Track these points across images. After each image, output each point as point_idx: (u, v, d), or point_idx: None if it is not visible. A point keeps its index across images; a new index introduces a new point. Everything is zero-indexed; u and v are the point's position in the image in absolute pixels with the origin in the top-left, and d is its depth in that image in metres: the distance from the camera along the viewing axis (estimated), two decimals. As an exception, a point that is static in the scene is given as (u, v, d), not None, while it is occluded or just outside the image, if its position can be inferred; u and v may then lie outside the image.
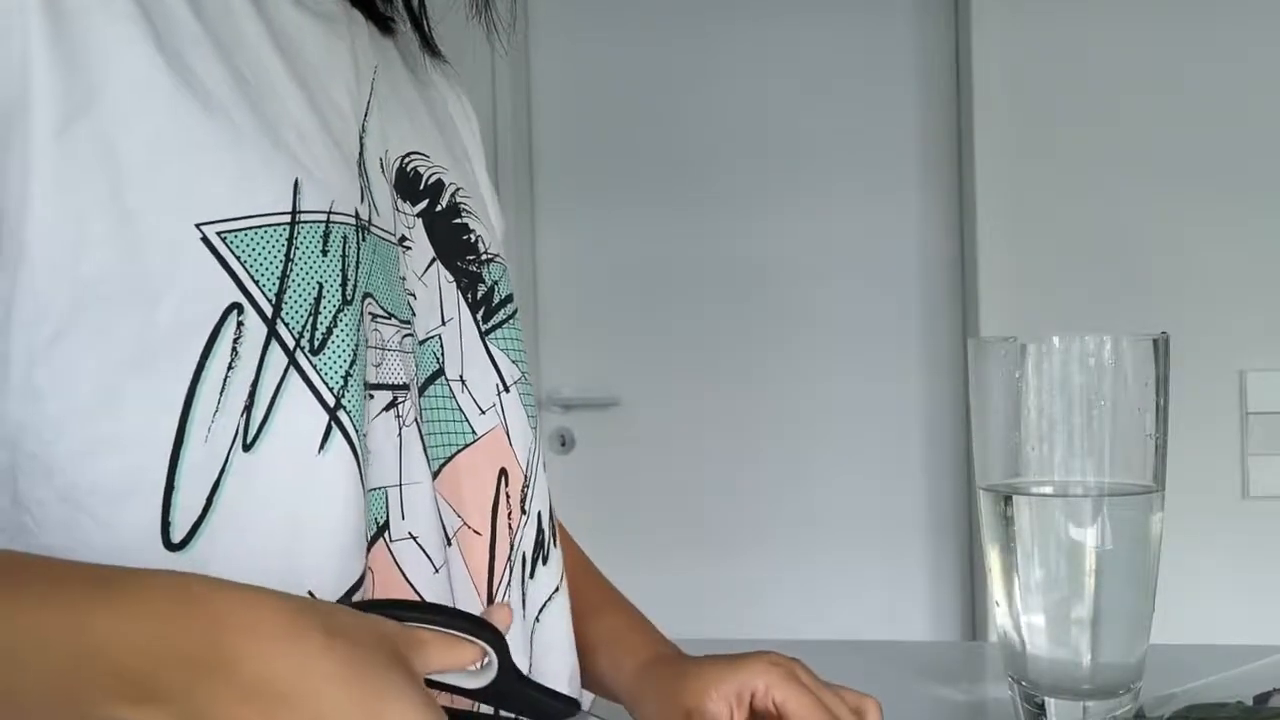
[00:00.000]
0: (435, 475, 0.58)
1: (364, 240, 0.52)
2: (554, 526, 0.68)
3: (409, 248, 0.59)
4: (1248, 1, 1.93)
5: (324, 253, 0.49)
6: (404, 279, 0.57)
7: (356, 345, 0.50)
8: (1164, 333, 0.70)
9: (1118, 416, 0.69)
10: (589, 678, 0.70)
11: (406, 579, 0.53)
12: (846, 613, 2.17)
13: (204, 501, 0.45)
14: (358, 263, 0.51)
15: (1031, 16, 1.99)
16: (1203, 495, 1.89)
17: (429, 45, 0.70)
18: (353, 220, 0.51)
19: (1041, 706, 0.69)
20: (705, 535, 2.21)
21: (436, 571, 0.55)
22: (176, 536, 0.44)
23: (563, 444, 2.30)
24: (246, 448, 0.45)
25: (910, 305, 2.19)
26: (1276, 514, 1.92)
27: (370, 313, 0.53)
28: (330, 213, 0.49)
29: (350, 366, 0.49)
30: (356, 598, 0.49)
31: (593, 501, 2.27)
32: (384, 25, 0.64)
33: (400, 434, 0.54)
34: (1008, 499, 0.70)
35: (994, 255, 2.01)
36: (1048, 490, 0.70)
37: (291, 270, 0.47)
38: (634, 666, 0.68)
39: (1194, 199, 1.94)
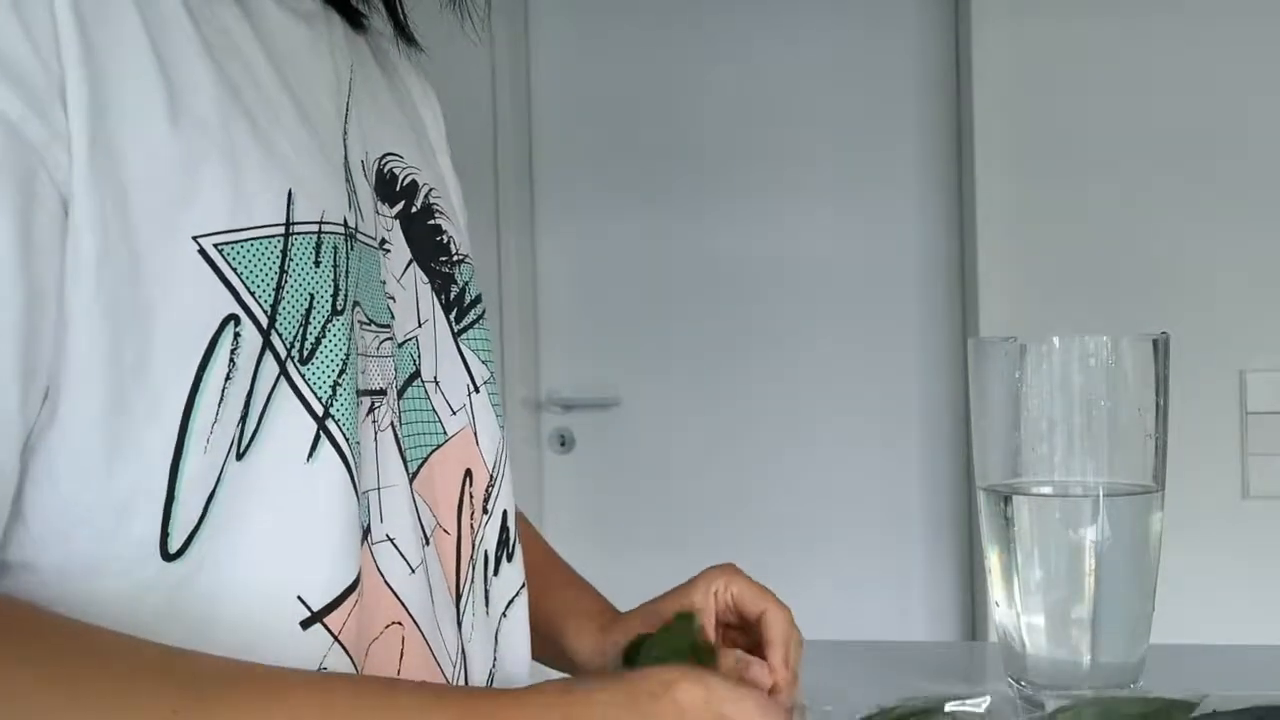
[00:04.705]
0: (414, 476, 0.58)
1: (352, 249, 0.52)
2: (516, 525, 0.69)
3: (388, 250, 0.59)
4: (1247, 3, 1.93)
5: (316, 264, 0.49)
6: (384, 283, 0.58)
7: (347, 354, 0.50)
8: (1164, 333, 0.70)
9: (1118, 416, 0.69)
10: (551, 645, 0.76)
11: (385, 581, 0.54)
12: (846, 613, 2.17)
13: (200, 510, 0.45)
14: (347, 272, 0.51)
15: (1032, 18, 1.98)
16: (1203, 495, 1.89)
17: (403, 32, 0.68)
18: (341, 229, 0.51)
19: (1042, 707, 0.69)
20: (705, 535, 2.21)
21: (413, 572, 0.55)
22: (173, 546, 0.44)
23: (563, 444, 2.30)
24: (239, 457, 0.45)
25: (910, 305, 2.19)
26: (1276, 514, 1.92)
27: (358, 321, 0.53)
28: (321, 223, 0.49)
29: (339, 375, 0.49)
30: (352, 600, 0.49)
31: (593, 501, 2.27)
32: (355, 22, 0.64)
33: (376, 438, 0.54)
34: (1008, 499, 0.70)
35: (994, 255, 2.01)
36: (1048, 490, 0.70)
37: (286, 282, 0.47)
38: (595, 629, 0.74)
39: (1194, 200, 1.94)
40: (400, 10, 0.68)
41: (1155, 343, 0.69)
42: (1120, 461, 0.69)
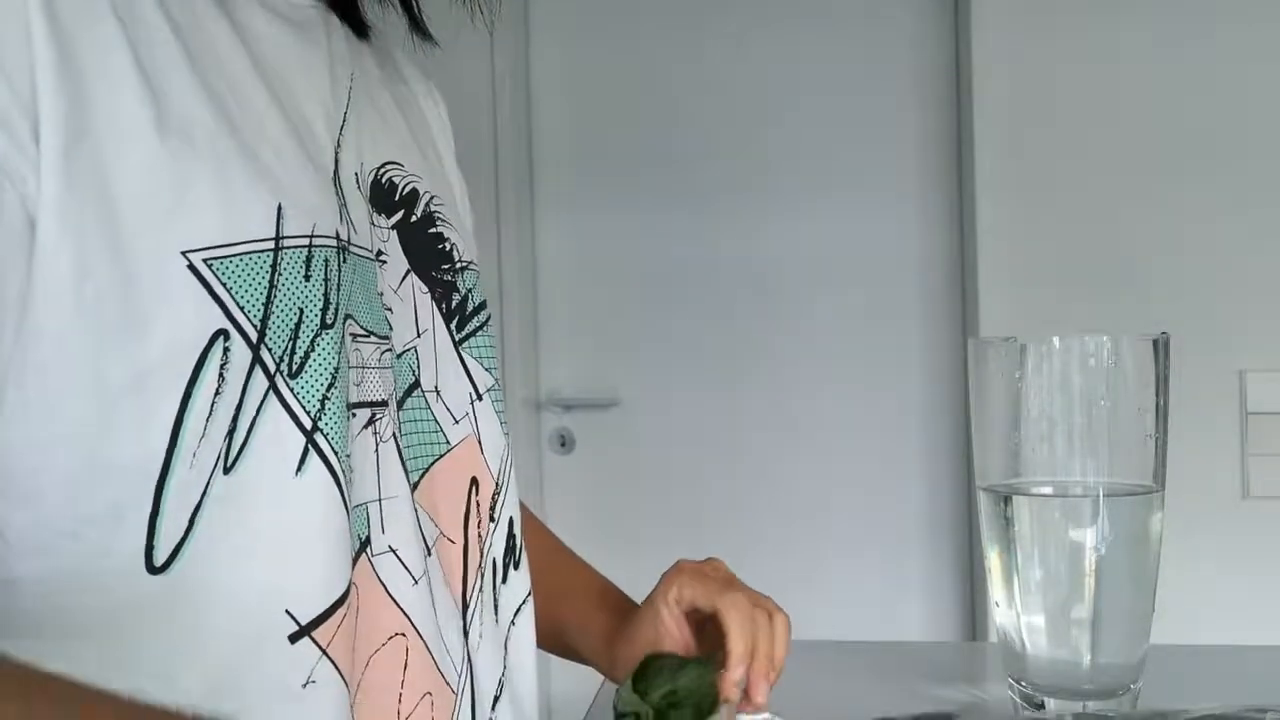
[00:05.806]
0: (415, 487, 0.58)
1: (344, 261, 0.52)
2: (522, 532, 0.69)
3: (384, 261, 0.59)
4: (1247, 3, 1.93)
5: (306, 278, 0.48)
6: (381, 294, 0.57)
7: (336, 368, 0.49)
8: (1164, 333, 0.70)
9: (1118, 416, 0.69)
10: (557, 643, 0.79)
11: (388, 592, 0.53)
12: (846, 613, 2.17)
13: (186, 523, 0.44)
14: (339, 285, 0.51)
15: (1031, 18, 1.98)
16: (1203, 495, 1.89)
17: (419, 28, 0.68)
18: (334, 243, 0.51)
19: (1041, 707, 0.69)
20: (705, 535, 2.21)
21: (416, 583, 0.55)
22: (159, 559, 0.44)
23: (563, 444, 2.30)
24: (226, 470, 0.45)
25: (910, 305, 2.19)
26: (1276, 514, 1.92)
27: (351, 333, 0.53)
28: (312, 237, 0.49)
29: (328, 389, 0.49)
30: (340, 613, 0.49)
31: (593, 501, 2.27)
32: (360, 30, 0.63)
33: (378, 450, 0.54)
34: (1008, 499, 0.70)
35: (994, 255, 2.01)
36: (1048, 490, 0.70)
37: (275, 296, 0.47)
38: (602, 645, 0.77)
39: (1194, 199, 1.94)
40: (415, 6, 0.67)
41: (1155, 343, 0.69)
42: (1120, 461, 0.69)
